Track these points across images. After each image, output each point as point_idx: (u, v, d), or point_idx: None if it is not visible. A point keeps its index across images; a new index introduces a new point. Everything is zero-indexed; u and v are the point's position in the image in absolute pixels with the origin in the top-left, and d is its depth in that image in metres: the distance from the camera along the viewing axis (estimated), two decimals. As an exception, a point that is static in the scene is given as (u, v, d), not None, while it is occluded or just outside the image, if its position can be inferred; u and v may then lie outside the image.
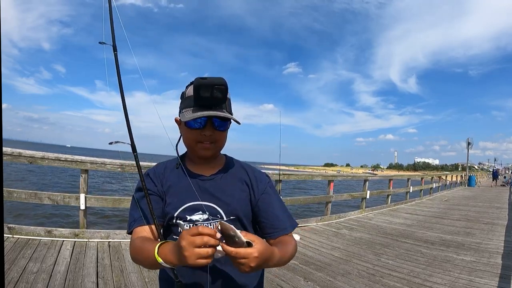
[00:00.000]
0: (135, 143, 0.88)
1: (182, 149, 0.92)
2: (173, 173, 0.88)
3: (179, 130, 0.88)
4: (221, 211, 0.82)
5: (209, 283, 0.79)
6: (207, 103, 0.77)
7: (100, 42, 0.86)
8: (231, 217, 0.83)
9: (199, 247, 0.56)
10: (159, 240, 0.78)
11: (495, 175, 26.80)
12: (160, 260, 0.64)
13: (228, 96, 0.82)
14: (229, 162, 0.93)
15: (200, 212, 0.81)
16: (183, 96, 0.85)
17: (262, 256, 0.61)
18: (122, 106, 0.87)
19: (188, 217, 0.81)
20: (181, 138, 0.88)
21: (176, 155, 0.91)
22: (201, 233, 0.57)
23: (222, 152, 0.92)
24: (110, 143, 0.81)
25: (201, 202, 0.82)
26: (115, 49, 0.89)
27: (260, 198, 0.87)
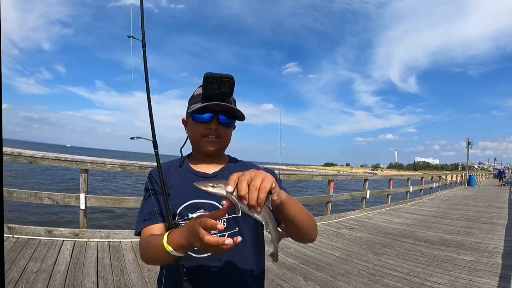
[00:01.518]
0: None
1: (186, 152, 0.94)
2: (176, 172, 0.89)
3: (185, 131, 0.91)
4: None
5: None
6: (215, 95, 0.80)
7: (128, 36, 0.83)
8: (234, 215, 0.82)
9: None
10: None
11: (501, 175, 27.28)
12: (169, 248, 0.63)
13: (233, 97, 0.87)
14: (232, 161, 0.95)
15: (202, 210, 0.81)
16: (191, 99, 0.89)
17: (244, 172, 0.56)
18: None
19: (190, 215, 0.81)
20: (187, 140, 0.91)
21: (180, 155, 0.93)
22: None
23: (225, 152, 0.95)
24: (132, 138, 0.81)
25: (202, 200, 0.82)
26: (144, 44, 0.86)
27: None
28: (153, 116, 0.85)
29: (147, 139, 0.84)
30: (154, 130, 0.86)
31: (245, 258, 0.84)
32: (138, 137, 0.82)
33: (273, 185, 0.55)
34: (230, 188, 0.54)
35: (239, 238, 0.54)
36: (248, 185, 0.53)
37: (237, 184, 0.53)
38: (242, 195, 0.52)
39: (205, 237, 0.54)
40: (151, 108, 0.85)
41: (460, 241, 4.61)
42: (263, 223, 0.59)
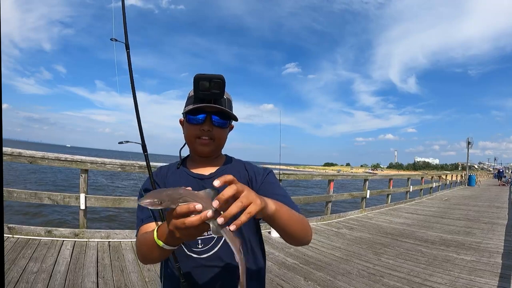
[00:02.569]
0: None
1: (186, 154, 0.95)
2: (174, 174, 0.89)
3: (182, 131, 0.91)
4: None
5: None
6: (205, 96, 0.80)
7: (111, 39, 0.82)
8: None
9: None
10: None
11: (500, 175, 27.30)
12: (160, 242, 0.60)
13: (229, 97, 0.86)
14: (229, 161, 0.94)
15: None
16: (187, 99, 0.89)
17: (239, 183, 0.52)
18: (133, 106, 0.86)
19: None
20: (186, 143, 0.91)
21: (179, 157, 0.93)
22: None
23: (223, 153, 0.95)
24: (120, 143, 0.79)
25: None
26: (127, 47, 0.86)
27: (260, 187, 0.86)
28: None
29: (135, 142, 0.83)
30: (142, 132, 0.85)
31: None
32: (126, 141, 0.80)
33: (258, 209, 0.52)
34: (217, 183, 0.48)
35: (209, 212, 0.49)
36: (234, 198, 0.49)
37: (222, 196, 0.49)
38: (220, 207, 0.48)
39: (177, 209, 0.50)
40: (138, 110, 0.84)
41: (460, 241, 4.61)
42: (232, 247, 0.52)
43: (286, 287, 2.58)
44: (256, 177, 0.89)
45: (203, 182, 0.85)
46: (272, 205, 0.61)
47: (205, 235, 0.80)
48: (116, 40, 0.82)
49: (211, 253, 0.80)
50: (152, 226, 0.79)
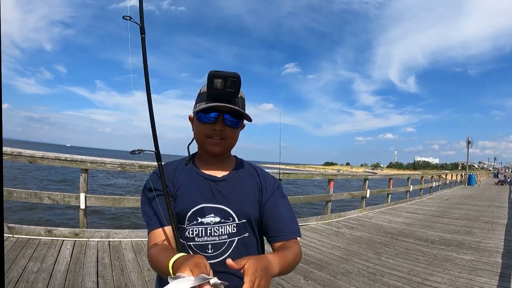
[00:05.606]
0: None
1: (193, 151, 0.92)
2: (183, 173, 0.86)
3: (192, 129, 0.88)
4: (233, 214, 0.81)
5: None
6: (219, 95, 0.76)
7: (124, 17, 0.67)
8: (243, 220, 0.82)
9: None
10: (175, 248, 0.76)
11: (506, 180, 26.70)
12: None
13: (242, 95, 0.83)
14: (240, 164, 0.92)
15: (212, 215, 0.80)
16: (198, 96, 0.85)
17: (259, 265, 0.59)
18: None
19: (200, 219, 0.80)
20: (193, 139, 0.88)
21: (187, 155, 0.91)
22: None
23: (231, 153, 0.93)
24: (133, 152, 0.72)
25: (212, 205, 0.81)
26: (142, 32, 0.72)
27: (267, 200, 0.86)
28: (153, 116, 0.76)
29: (149, 151, 0.76)
30: (156, 139, 0.76)
31: None
32: (140, 150, 0.72)
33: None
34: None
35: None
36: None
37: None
38: None
39: None
40: (152, 108, 0.75)
41: (460, 240, 4.61)
42: None
43: (286, 286, 2.59)
44: (267, 187, 0.88)
45: (216, 184, 0.84)
46: (275, 270, 0.66)
47: (216, 240, 0.80)
48: (130, 19, 0.68)
49: (221, 258, 0.78)
50: (160, 233, 0.77)
